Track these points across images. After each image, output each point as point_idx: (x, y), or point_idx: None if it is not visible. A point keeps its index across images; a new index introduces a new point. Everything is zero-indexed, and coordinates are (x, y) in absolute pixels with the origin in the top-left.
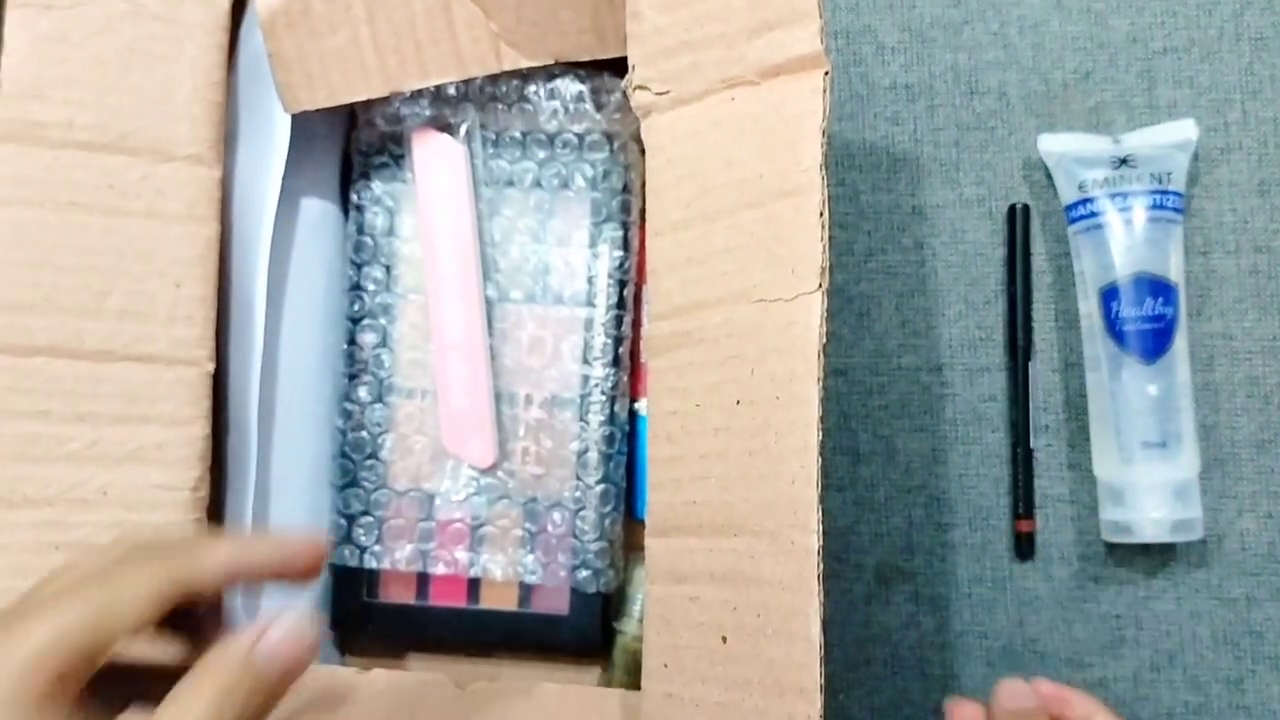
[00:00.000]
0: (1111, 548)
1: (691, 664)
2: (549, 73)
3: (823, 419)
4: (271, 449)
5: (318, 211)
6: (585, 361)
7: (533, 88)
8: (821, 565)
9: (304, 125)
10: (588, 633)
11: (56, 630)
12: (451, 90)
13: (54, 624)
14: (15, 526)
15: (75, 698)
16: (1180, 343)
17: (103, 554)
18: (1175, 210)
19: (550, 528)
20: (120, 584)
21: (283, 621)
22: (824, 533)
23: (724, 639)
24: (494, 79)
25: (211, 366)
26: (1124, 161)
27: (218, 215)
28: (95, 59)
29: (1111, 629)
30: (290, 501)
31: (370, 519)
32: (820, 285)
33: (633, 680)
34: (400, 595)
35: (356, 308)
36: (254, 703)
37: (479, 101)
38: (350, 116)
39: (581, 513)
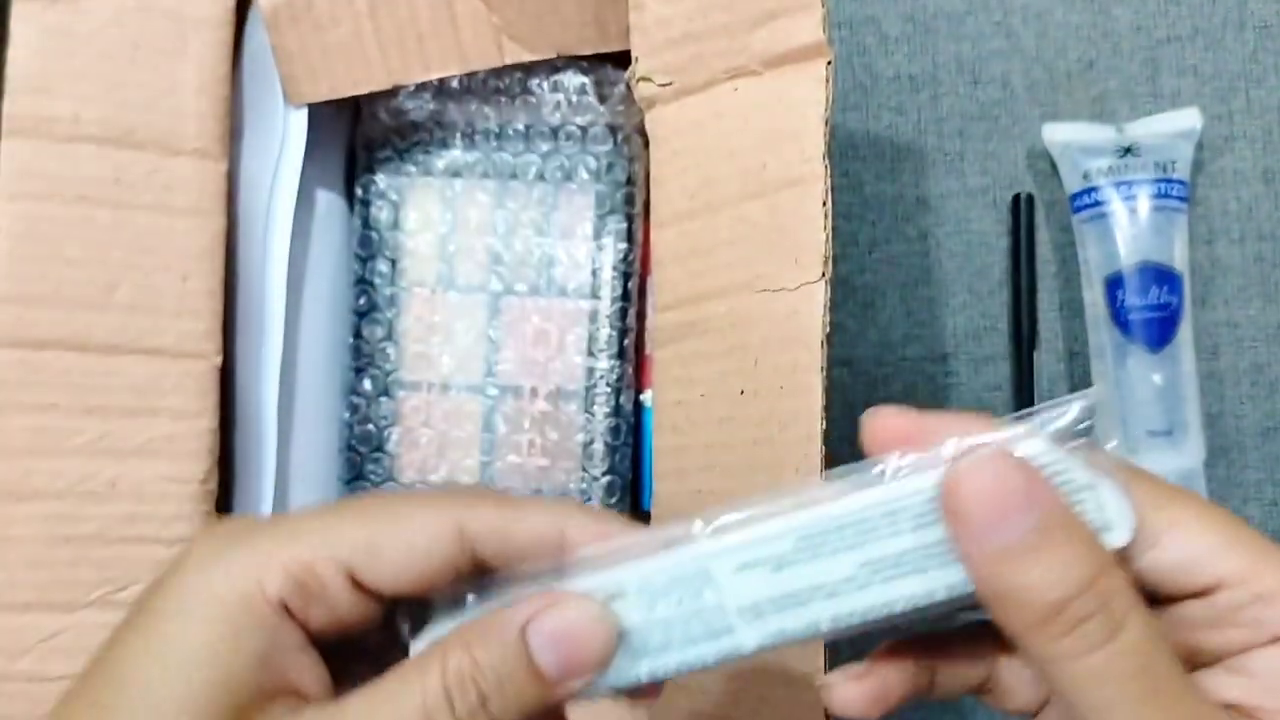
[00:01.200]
0: None
1: None
2: (552, 65)
3: (827, 409)
4: (280, 443)
5: (323, 205)
6: (590, 354)
7: (535, 80)
8: None
9: (309, 119)
10: None
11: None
12: (455, 84)
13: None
14: (26, 519)
15: (304, 623)
16: (1185, 331)
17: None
18: (1179, 199)
19: None
20: (402, 512)
21: (571, 603)
22: None
23: None
24: (497, 72)
25: (219, 360)
26: (1128, 150)
27: (224, 209)
28: (102, 53)
29: None
30: (299, 495)
31: None
32: (824, 275)
33: None
34: None
35: (362, 301)
36: (505, 695)
37: (482, 95)
38: (354, 110)
39: (587, 504)
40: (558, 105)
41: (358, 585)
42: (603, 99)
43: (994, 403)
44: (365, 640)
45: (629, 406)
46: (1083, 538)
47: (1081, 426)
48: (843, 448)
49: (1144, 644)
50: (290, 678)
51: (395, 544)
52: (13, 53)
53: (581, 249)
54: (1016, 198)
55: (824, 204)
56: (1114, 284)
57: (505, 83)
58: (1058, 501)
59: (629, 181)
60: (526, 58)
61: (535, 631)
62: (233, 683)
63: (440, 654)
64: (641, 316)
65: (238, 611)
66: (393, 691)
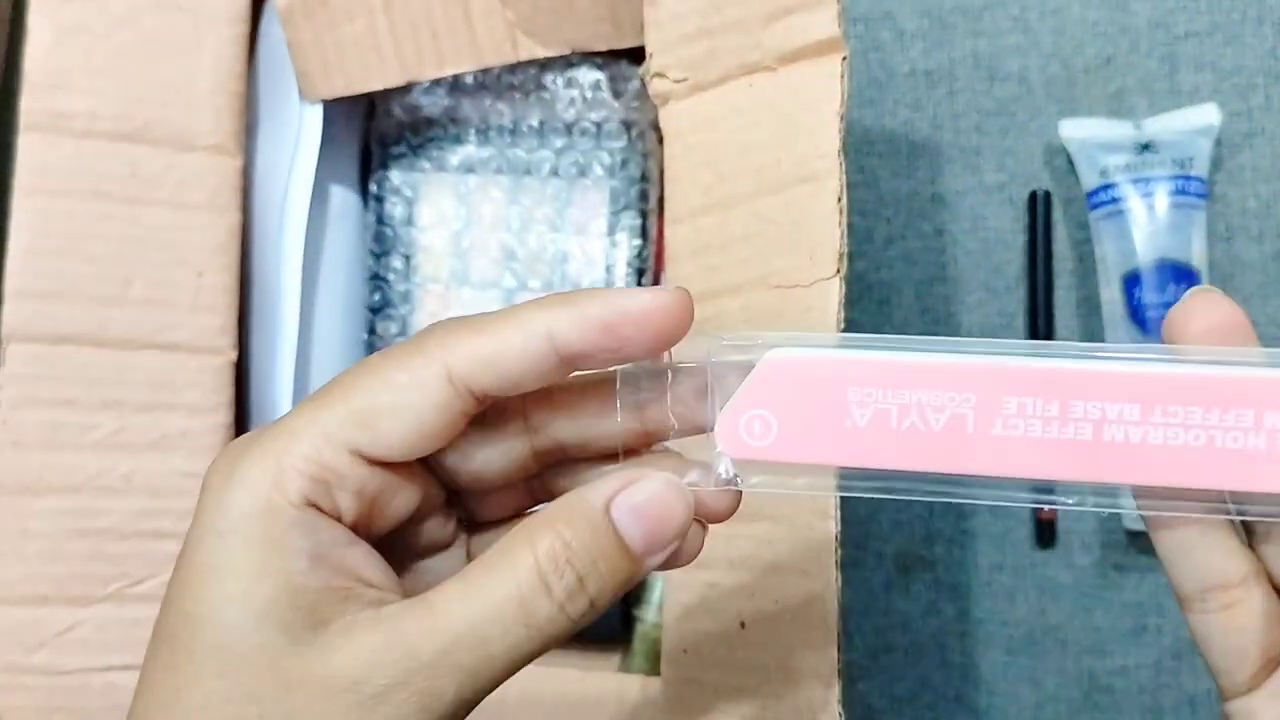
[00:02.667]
0: (1133, 535)
1: (710, 650)
2: (566, 61)
3: None
4: None
5: (338, 201)
6: None
7: (550, 76)
8: (840, 551)
9: (324, 115)
10: (607, 620)
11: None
12: (469, 80)
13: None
14: (42, 513)
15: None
16: None
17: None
18: (1198, 195)
19: None
20: (388, 377)
21: (651, 480)
22: (843, 520)
23: (742, 625)
24: (511, 68)
25: (234, 355)
26: (1146, 147)
27: (239, 205)
28: (118, 49)
29: (1133, 616)
30: None
31: None
32: (838, 271)
33: (652, 667)
34: None
35: (377, 297)
36: (600, 574)
37: (496, 91)
38: (369, 106)
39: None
40: (572, 101)
41: (371, 461)
42: (617, 95)
43: None
44: (425, 539)
45: None
46: None
47: None
48: None
49: None
50: (354, 574)
51: (390, 411)
52: (30, 49)
53: (595, 245)
54: (1033, 194)
55: (839, 200)
56: (1131, 281)
57: (520, 79)
58: None
59: (643, 177)
60: (541, 53)
61: (619, 508)
62: (293, 591)
63: (528, 538)
64: None
65: (269, 522)
66: (482, 582)
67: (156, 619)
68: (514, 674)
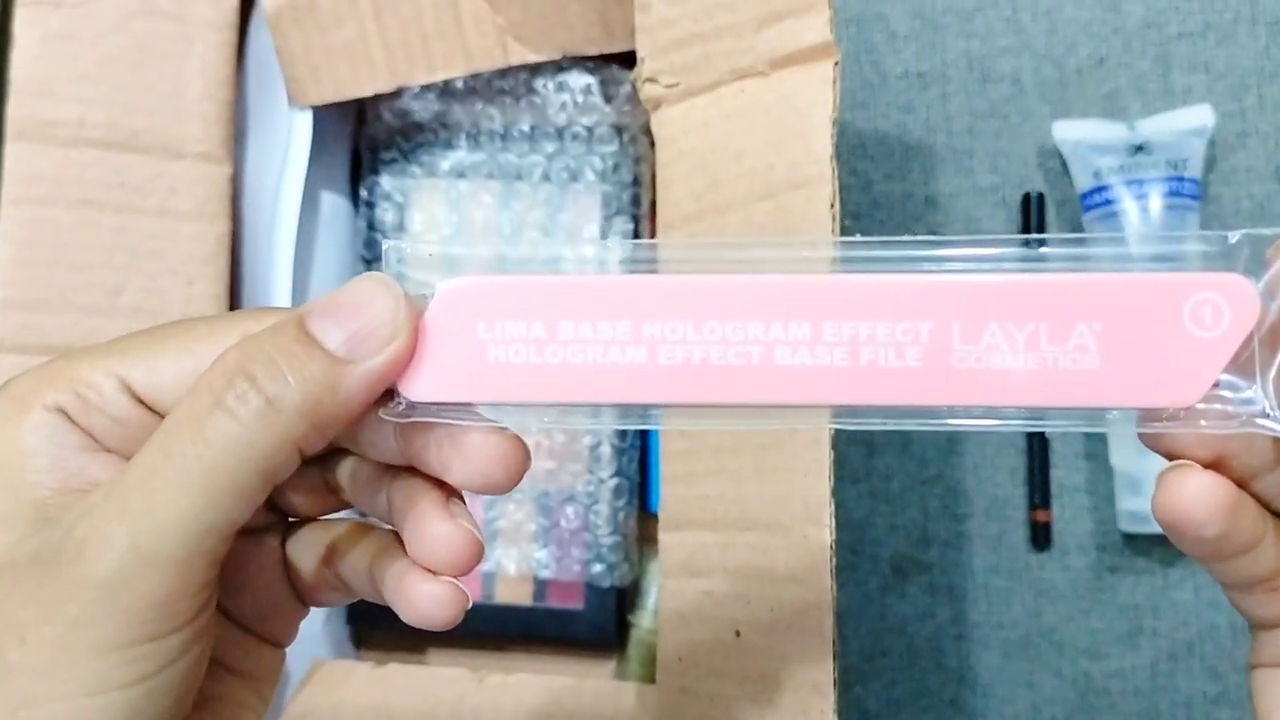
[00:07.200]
0: (1129, 537)
1: (705, 658)
2: (557, 66)
3: None
4: None
5: (328, 208)
6: None
7: (541, 81)
8: (835, 559)
9: (314, 121)
10: (602, 627)
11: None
12: (459, 84)
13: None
14: None
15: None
16: None
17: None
18: (1192, 197)
19: (564, 522)
20: (190, 329)
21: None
22: (839, 525)
23: (737, 633)
24: (502, 73)
25: None
26: (1139, 148)
27: (229, 212)
28: (106, 57)
29: (1129, 619)
30: None
31: None
32: None
33: (648, 673)
34: None
35: None
36: (279, 382)
37: (487, 95)
38: (359, 111)
39: (595, 507)
40: (563, 106)
41: (141, 401)
42: (609, 99)
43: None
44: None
45: None
46: None
47: None
48: (852, 450)
49: None
50: (95, 482)
51: (172, 357)
52: (16, 56)
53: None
54: (1027, 196)
55: (832, 205)
56: None
57: (510, 83)
58: None
59: (635, 182)
60: (532, 58)
61: (310, 310)
62: (25, 485)
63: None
64: None
65: (19, 421)
66: (178, 411)
67: None
68: (244, 491)
